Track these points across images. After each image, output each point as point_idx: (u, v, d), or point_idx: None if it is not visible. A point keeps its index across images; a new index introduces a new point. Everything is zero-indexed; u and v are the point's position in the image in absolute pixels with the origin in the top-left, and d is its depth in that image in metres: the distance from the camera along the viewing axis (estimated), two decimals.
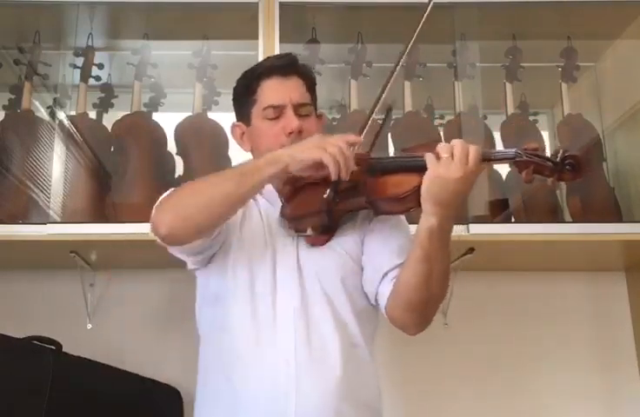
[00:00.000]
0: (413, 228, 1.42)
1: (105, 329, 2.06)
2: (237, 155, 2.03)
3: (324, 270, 1.34)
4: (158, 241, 1.29)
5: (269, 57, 1.55)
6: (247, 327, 1.29)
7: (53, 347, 1.59)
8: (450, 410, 2.06)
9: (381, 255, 1.35)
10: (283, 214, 1.37)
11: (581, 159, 1.17)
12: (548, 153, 1.20)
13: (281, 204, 1.40)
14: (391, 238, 1.37)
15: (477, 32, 2.15)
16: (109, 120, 2.15)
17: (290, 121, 1.37)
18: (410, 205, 1.24)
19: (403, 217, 1.43)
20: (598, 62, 2.36)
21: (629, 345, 2.14)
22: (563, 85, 2.21)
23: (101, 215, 1.97)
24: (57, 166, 2.00)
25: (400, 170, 1.26)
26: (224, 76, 2.11)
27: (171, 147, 2.10)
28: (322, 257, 1.35)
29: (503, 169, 2.11)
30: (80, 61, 2.14)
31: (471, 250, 1.87)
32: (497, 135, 2.13)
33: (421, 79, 2.19)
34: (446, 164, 1.16)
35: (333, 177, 1.20)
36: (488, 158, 1.21)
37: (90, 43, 2.17)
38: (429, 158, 1.18)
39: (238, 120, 1.48)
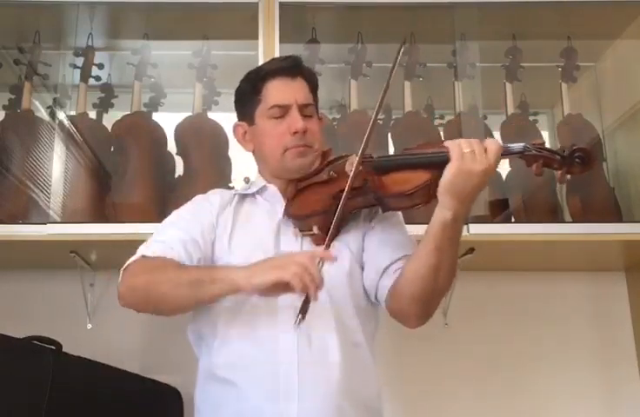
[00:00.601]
0: (412, 227, 1.44)
1: (105, 329, 2.06)
2: (237, 155, 2.04)
3: (328, 270, 1.34)
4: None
5: (274, 59, 1.56)
6: (248, 327, 1.29)
7: (53, 347, 1.59)
8: (449, 410, 2.06)
9: (381, 252, 1.36)
10: (287, 213, 1.38)
11: (590, 152, 1.19)
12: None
13: (284, 204, 1.40)
14: (391, 235, 1.38)
15: (477, 32, 2.15)
16: (109, 120, 2.15)
17: (296, 121, 1.38)
18: (417, 201, 1.26)
19: (400, 214, 1.45)
20: (598, 62, 2.35)
21: (629, 345, 2.14)
22: (563, 85, 2.22)
23: (101, 215, 1.97)
24: (57, 166, 2.00)
25: (407, 167, 1.28)
26: (224, 76, 2.12)
27: (171, 147, 2.10)
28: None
29: (504, 169, 2.11)
30: (80, 61, 2.15)
31: (471, 250, 1.88)
32: (497, 135, 2.13)
33: (421, 79, 2.19)
34: (471, 157, 1.18)
35: (301, 295, 1.15)
36: (502, 154, 1.22)
37: (90, 43, 2.17)
38: (454, 151, 1.19)
39: (240, 120, 1.48)
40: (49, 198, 1.96)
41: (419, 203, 1.26)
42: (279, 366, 1.25)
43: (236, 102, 1.49)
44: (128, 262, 1.34)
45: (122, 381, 1.77)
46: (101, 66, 2.16)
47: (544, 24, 2.19)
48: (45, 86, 2.15)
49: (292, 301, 1.29)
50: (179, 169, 2.09)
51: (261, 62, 1.90)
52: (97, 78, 2.18)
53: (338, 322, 1.30)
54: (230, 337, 1.31)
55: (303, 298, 1.16)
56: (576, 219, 2.03)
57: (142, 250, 1.36)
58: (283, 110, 1.39)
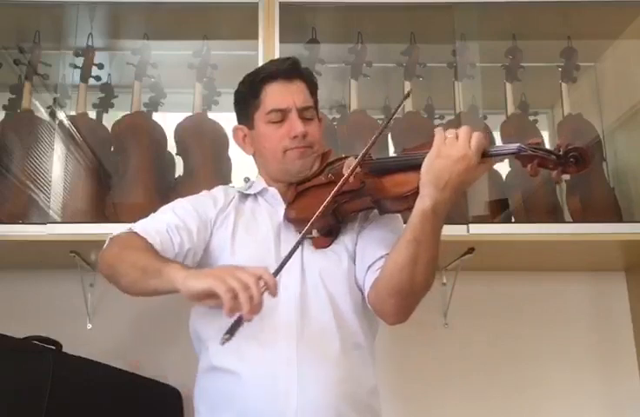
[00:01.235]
0: None
1: (105, 329, 2.06)
2: (237, 155, 2.04)
3: (328, 271, 1.34)
4: None
5: (271, 61, 1.55)
6: (249, 328, 1.29)
7: (53, 347, 1.60)
8: (449, 410, 2.06)
9: (369, 249, 1.36)
10: (287, 217, 1.38)
11: (585, 151, 1.17)
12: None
13: (285, 207, 1.40)
14: (380, 233, 1.37)
15: (477, 32, 2.15)
16: (109, 120, 2.15)
17: (295, 125, 1.38)
18: (414, 203, 1.24)
19: (398, 215, 1.43)
20: (598, 62, 2.35)
21: (629, 345, 2.14)
22: (563, 85, 2.21)
23: (101, 215, 1.97)
24: (57, 166, 1.99)
25: (404, 169, 1.27)
26: (224, 76, 2.12)
27: (171, 147, 2.10)
28: (325, 258, 1.36)
29: (504, 169, 2.11)
30: (80, 61, 2.14)
31: (471, 250, 1.88)
32: (497, 135, 2.13)
33: (421, 79, 2.19)
34: (450, 143, 1.18)
35: (225, 312, 1.04)
36: (492, 153, 1.22)
37: (90, 43, 2.17)
38: (436, 138, 1.19)
39: (240, 123, 1.47)
40: (49, 198, 1.95)
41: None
42: (279, 365, 1.25)
43: (235, 105, 1.49)
44: (116, 233, 1.33)
45: (122, 381, 1.77)
46: (101, 66, 2.16)
47: (544, 24, 2.19)
48: (45, 86, 2.15)
49: (292, 301, 1.29)
50: (179, 169, 2.09)
51: (261, 63, 1.90)
52: (97, 78, 2.18)
53: (338, 321, 1.30)
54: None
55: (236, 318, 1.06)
56: (576, 219, 2.03)
57: (133, 225, 1.36)
58: (282, 114, 1.39)
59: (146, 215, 1.37)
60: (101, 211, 1.98)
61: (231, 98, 1.51)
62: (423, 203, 1.19)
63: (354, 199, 1.31)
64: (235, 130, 1.48)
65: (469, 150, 1.17)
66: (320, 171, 1.41)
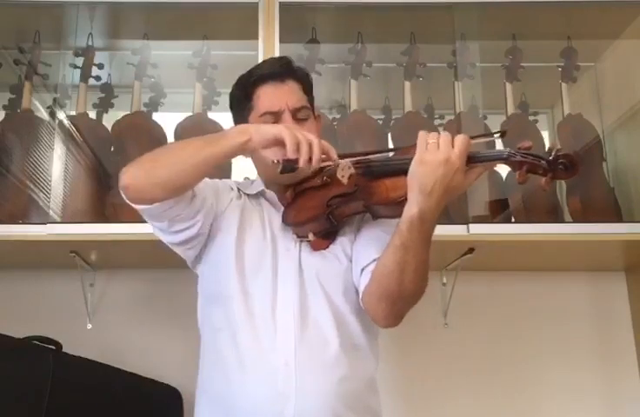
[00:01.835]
0: None
1: (105, 329, 2.06)
2: None
3: (325, 273, 1.34)
4: (124, 197, 1.29)
5: (264, 61, 1.54)
6: (246, 329, 1.29)
7: (53, 347, 1.60)
8: (449, 410, 2.06)
9: (363, 251, 1.35)
10: (284, 219, 1.37)
11: (574, 158, 1.15)
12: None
13: (283, 210, 1.40)
14: (375, 235, 1.36)
15: (477, 32, 2.15)
16: (109, 120, 2.15)
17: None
18: None
19: None
20: (598, 62, 2.35)
21: (629, 345, 2.14)
22: (563, 85, 2.21)
23: (101, 215, 1.97)
24: (57, 166, 1.99)
25: (397, 173, 1.25)
26: (224, 76, 2.11)
27: None
28: (323, 260, 1.35)
29: (503, 169, 2.11)
30: (80, 61, 2.14)
31: (471, 250, 1.88)
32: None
33: (421, 79, 2.19)
34: (432, 148, 1.16)
35: (289, 154, 1.19)
36: (479, 159, 1.20)
37: (90, 43, 2.17)
38: (419, 144, 1.18)
39: (236, 123, 1.47)
40: (49, 198, 1.95)
41: None
42: (277, 367, 1.25)
43: (230, 107, 1.49)
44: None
45: (122, 381, 1.77)
46: (101, 66, 2.16)
47: (544, 24, 2.19)
48: (45, 86, 2.15)
49: (291, 303, 1.29)
50: None
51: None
52: (97, 78, 2.18)
53: (337, 323, 1.30)
54: (228, 333, 1.31)
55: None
56: (576, 219, 2.03)
57: None
58: (276, 117, 1.38)
59: None
60: (101, 211, 1.98)
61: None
62: (409, 210, 1.17)
63: (348, 202, 1.30)
64: None
65: (451, 154, 1.15)
66: (317, 172, 1.40)
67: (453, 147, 1.16)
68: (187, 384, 1.93)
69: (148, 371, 1.88)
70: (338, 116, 2.25)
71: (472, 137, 1.20)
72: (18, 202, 1.97)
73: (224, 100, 2.13)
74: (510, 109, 2.17)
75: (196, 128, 2.08)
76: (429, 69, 2.19)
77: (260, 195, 1.46)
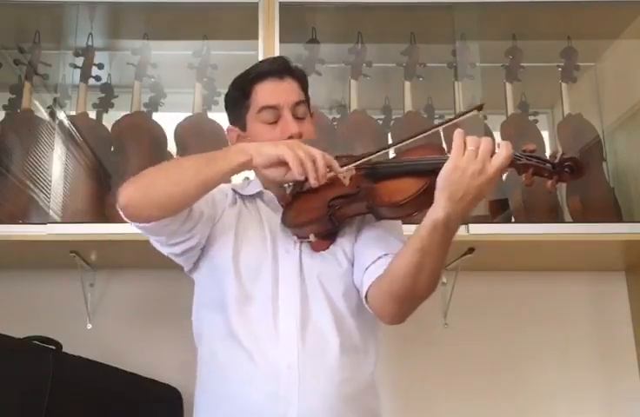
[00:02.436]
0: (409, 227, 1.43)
1: (105, 329, 2.06)
2: None
3: (326, 275, 1.33)
4: (122, 215, 1.28)
5: (261, 61, 1.54)
6: (247, 334, 1.29)
7: (53, 347, 1.60)
8: (449, 410, 2.06)
9: (366, 250, 1.34)
10: (284, 221, 1.37)
11: (580, 162, 1.15)
12: (547, 152, 1.19)
13: (282, 211, 1.39)
14: (378, 234, 1.36)
15: (477, 32, 2.16)
16: (109, 120, 2.15)
17: (290, 125, 1.36)
18: (410, 211, 1.22)
19: None
20: (598, 62, 2.36)
21: (629, 345, 2.14)
22: (563, 85, 2.22)
23: (101, 215, 1.97)
24: (57, 166, 2.00)
25: (401, 175, 1.24)
26: (224, 76, 2.10)
27: (171, 147, 2.10)
28: (324, 262, 1.34)
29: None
30: (80, 61, 2.15)
31: (471, 250, 1.88)
32: (497, 135, 2.13)
33: (421, 79, 2.19)
34: (470, 156, 1.13)
35: (297, 176, 1.18)
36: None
37: (90, 43, 2.17)
38: (456, 147, 1.14)
39: (232, 124, 1.46)
40: (49, 198, 1.96)
41: (412, 213, 1.23)
42: (279, 369, 1.25)
43: (226, 107, 1.48)
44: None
45: (122, 381, 1.77)
46: (101, 66, 2.16)
47: (544, 24, 2.19)
48: (45, 86, 2.15)
49: (292, 305, 1.29)
50: None
51: None
52: (97, 78, 2.18)
53: (337, 324, 1.30)
54: (229, 339, 1.31)
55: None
56: (576, 219, 2.03)
57: None
58: (275, 113, 1.37)
59: None
60: (101, 211, 1.98)
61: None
62: (435, 214, 1.15)
63: (350, 204, 1.30)
64: (228, 131, 1.47)
65: (488, 167, 1.12)
66: None
67: (491, 160, 1.13)
68: (187, 384, 1.93)
69: (148, 371, 1.88)
70: (338, 116, 2.25)
71: (452, 119, 1.19)
72: (18, 202, 1.97)
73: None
74: (510, 109, 2.17)
75: (196, 128, 2.08)
76: (429, 69, 2.19)
77: (257, 196, 1.45)
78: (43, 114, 2.14)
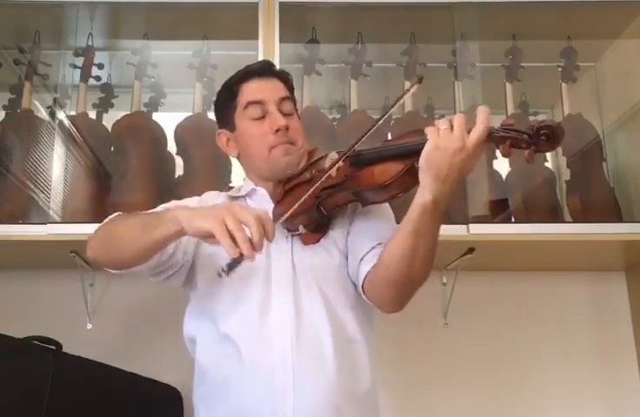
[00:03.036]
0: None
1: (105, 329, 2.06)
2: None
3: (319, 268, 1.34)
4: None
5: (246, 65, 1.56)
6: (242, 328, 1.30)
7: (53, 347, 1.59)
8: (449, 410, 2.06)
9: (360, 240, 1.36)
10: (275, 215, 1.38)
11: (555, 128, 1.14)
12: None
13: (273, 206, 1.40)
14: (371, 224, 1.37)
15: (477, 32, 2.15)
16: (109, 120, 2.15)
17: (276, 118, 1.38)
18: (394, 192, 1.24)
19: (386, 205, 1.43)
20: (598, 62, 2.35)
21: (629, 345, 2.14)
22: (563, 85, 2.22)
23: (101, 215, 1.95)
24: (57, 166, 1.99)
25: (383, 159, 1.26)
26: (224, 76, 2.09)
27: (171, 147, 2.10)
28: (315, 255, 1.36)
29: (503, 169, 2.11)
30: (80, 61, 2.14)
31: (471, 250, 1.88)
32: None
33: None
34: (446, 134, 1.14)
35: (229, 253, 1.09)
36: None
37: (90, 43, 2.17)
38: (430, 130, 1.16)
39: (222, 127, 1.48)
40: (49, 198, 1.95)
41: (396, 194, 1.24)
42: (274, 364, 1.25)
43: (215, 111, 1.50)
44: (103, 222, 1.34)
45: (122, 381, 1.77)
46: (101, 66, 2.16)
47: (544, 24, 2.19)
48: (45, 86, 2.15)
49: (285, 300, 1.29)
50: (179, 169, 2.09)
51: None
52: (97, 78, 2.18)
53: (331, 317, 1.30)
54: (223, 336, 1.31)
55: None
56: (576, 219, 2.03)
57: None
58: (261, 108, 1.39)
59: None
60: (101, 211, 1.98)
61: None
62: (423, 196, 1.17)
63: (336, 193, 1.31)
64: (218, 135, 1.49)
65: (466, 141, 1.14)
66: (306, 168, 1.41)
67: (468, 134, 1.14)
68: (187, 384, 1.91)
69: (148, 371, 1.88)
70: (338, 116, 2.25)
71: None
72: (18, 202, 1.97)
73: None
74: (510, 109, 2.17)
75: (196, 128, 2.08)
76: (429, 69, 2.19)
77: (247, 196, 1.46)
78: (43, 114, 2.14)
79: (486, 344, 2.11)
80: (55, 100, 2.11)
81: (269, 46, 1.98)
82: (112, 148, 2.10)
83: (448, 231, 1.74)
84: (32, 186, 1.98)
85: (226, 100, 1.44)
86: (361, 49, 2.17)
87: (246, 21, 2.04)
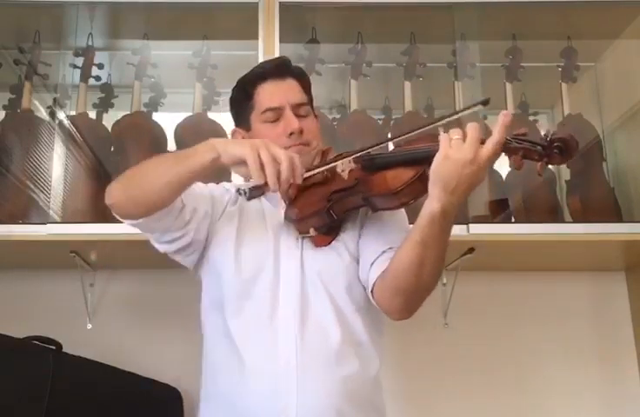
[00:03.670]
0: None
1: (105, 329, 2.06)
2: None
3: (328, 270, 1.34)
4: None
5: (262, 62, 1.55)
6: (246, 330, 1.30)
7: (53, 347, 1.60)
8: (449, 410, 2.06)
9: (371, 245, 1.35)
10: (286, 216, 1.38)
11: (568, 141, 1.13)
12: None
13: (285, 206, 1.40)
14: (382, 228, 1.36)
15: (477, 32, 2.16)
16: (109, 120, 2.15)
17: (291, 122, 1.37)
18: (404, 199, 1.23)
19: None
20: (598, 62, 2.36)
21: (629, 345, 2.14)
22: (563, 85, 2.22)
23: (101, 215, 1.96)
24: (57, 166, 2.00)
25: (395, 165, 1.25)
26: (224, 76, 2.12)
27: (171, 147, 2.10)
28: (325, 258, 1.35)
29: (503, 169, 2.11)
30: (80, 61, 2.15)
31: (471, 250, 1.87)
32: None
33: (421, 79, 2.19)
34: (457, 145, 1.12)
35: (255, 177, 1.15)
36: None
37: (90, 43, 2.17)
38: (442, 139, 1.14)
39: (237, 125, 1.48)
40: (49, 198, 1.95)
41: (407, 201, 1.23)
42: (278, 364, 1.25)
43: (231, 109, 1.49)
44: None
45: (122, 381, 1.77)
46: (101, 66, 2.16)
47: (544, 24, 2.19)
48: (45, 86, 2.15)
49: (292, 301, 1.29)
50: None
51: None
52: (97, 78, 2.18)
53: (339, 320, 1.30)
54: (228, 336, 1.31)
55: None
56: (576, 219, 2.03)
57: None
58: (277, 113, 1.38)
59: None
60: (101, 211, 1.97)
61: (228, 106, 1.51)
62: (431, 206, 1.16)
63: (348, 197, 1.30)
64: (233, 133, 1.48)
65: (478, 154, 1.11)
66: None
67: (481, 146, 1.12)
68: (187, 384, 1.93)
69: (148, 371, 1.88)
70: (338, 116, 2.25)
71: (457, 112, 1.17)
72: (18, 202, 1.97)
73: (224, 100, 2.14)
74: (510, 109, 2.17)
75: (196, 128, 2.08)
76: (429, 69, 2.19)
77: None
78: (43, 114, 2.14)
79: (486, 344, 2.11)
80: (55, 100, 2.11)
81: (269, 46, 1.98)
82: (112, 148, 2.10)
83: None
84: (32, 186, 1.98)
85: (241, 100, 1.43)
86: (361, 49, 2.17)
87: (246, 21, 2.04)
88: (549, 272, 2.15)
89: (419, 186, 1.20)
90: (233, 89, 1.47)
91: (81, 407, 1.55)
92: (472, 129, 1.13)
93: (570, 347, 2.13)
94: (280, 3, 2.03)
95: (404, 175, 1.21)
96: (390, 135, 2.13)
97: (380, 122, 2.27)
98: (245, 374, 1.27)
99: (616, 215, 2.07)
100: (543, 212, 2.07)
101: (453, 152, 1.12)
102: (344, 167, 1.29)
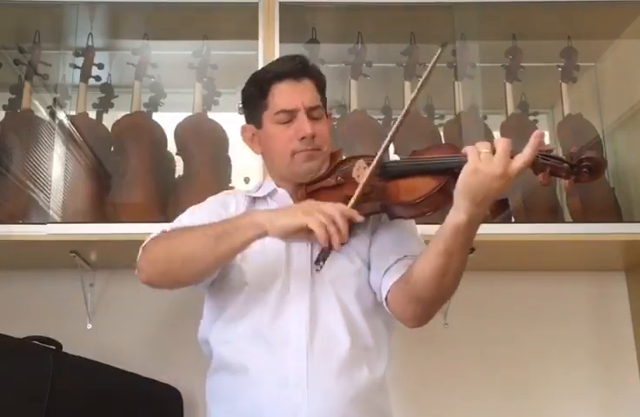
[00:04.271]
0: (425, 227, 1.42)
1: (105, 329, 2.06)
2: (237, 155, 2.04)
3: (338, 275, 1.33)
4: None
5: (279, 59, 1.53)
6: (256, 336, 1.29)
7: (53, 347, 1.60)
8: (449, 410, 2.06)
9: (385, 252, 1.34)
10: None
11: (599, 162, 1.14)
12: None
13: None
14: (395, 235, 1.36)
15: (477, 32, 2.16)
16: (109, 120, 2.15)
17: (304, 126, 1.36)
18: (424, 210, 1.23)
19: None
20: (598, 62, 2.36)
21: (629, 345, 2.14)
22: (563, 85, 2.22)
23: (101, 215, 1.97)
24: (57, 166, 2.00)
25: (415, 174, 1.25)
26: (224, 76, 2.12)
27: (171, 147, 2.10)
28: (335, 262, 1.33)
29: None
30: (80, 61, 2.15)
31: (471, 250, 1.86)
32: (497, 135, 2.13)
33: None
34: (486, 159, 1.12)
35: (322, 244, 1.16)
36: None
37: (90, 43, 2.17)
38: (470, 151, 1.14)
39: (248, 122, 1.46)
40: (49, 198, 1.96)
41: (426, 211, 1.23)
42: (287, 370, 1.25)
43: (243, 104, 1.48)
44: (148, 240, 1.34)
45: (122, 381, 1.77)
46: (101, 66, 2.16)
47: (544, 24, 2.19)
48: (45, 86, 2.15)
49: (301, 307, 1.29)
50: (179, 169, 2.09)
51: (261, 63, 1.90)
52: (97, 78, 2.18)
53: (348, 325, 1.30)
54: (237, 343, 1.31)
55: (321, 248, 1.19)
56: (576, 219, 2.03)
57: (162, 228, 1.36)
58: (291, 115, 1.37)
59: (146, 215, 1.37)
60: (101, 211, 1.98)
61: (231, 98, 1.51)
62: (457, 217, 1.15)
63: (363, 202, 1.28)
64: (243, 129, 1.47)
65: (507, 169, 1.11)
66: (330, 172, 1.39)
67: (510, 161, 1.12)
68: (187, 384, 1.93)
69: (148, 371, 1.88)
70: (338, 116, 2.25)
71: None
72: (18, 202, 1.97)
73: (224, 100, 2.15)
74: (510, 109, 2.17)
75: (196, 128, 2.08)
76: None
77: (268, 196, 1.45)
78: (43, 114, 2.14)
79: (486, 344, 2.11)
80: (55, 100, 2.11)
81: (269, 46, 1.97)
82: (112, 148, 2.10)
83: None
84: (32, 186, 1.98)
85: (255, 97, 1.42)
86: (361, 49, 2.17)
87: (246, 21, 2.04)
88: (549, 272, 2.15)
89: (440, 197, 1.21)
90: (247, 84, 1.46)
91: (81, 407, 1.55)
92: (502, 143, 1.13)
93: (569, 346, 2.13)
94: (280, 3, 2.03)
95: (426, 185, 1.21)
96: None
97: (380, 122, 2.27)
98: (255, 380, 1.26)
99: (616, 215, 2.07)
100: (543, 212, 2.07)
101: (483, 166, 1.12)
102: (359, 172, 1.28)
